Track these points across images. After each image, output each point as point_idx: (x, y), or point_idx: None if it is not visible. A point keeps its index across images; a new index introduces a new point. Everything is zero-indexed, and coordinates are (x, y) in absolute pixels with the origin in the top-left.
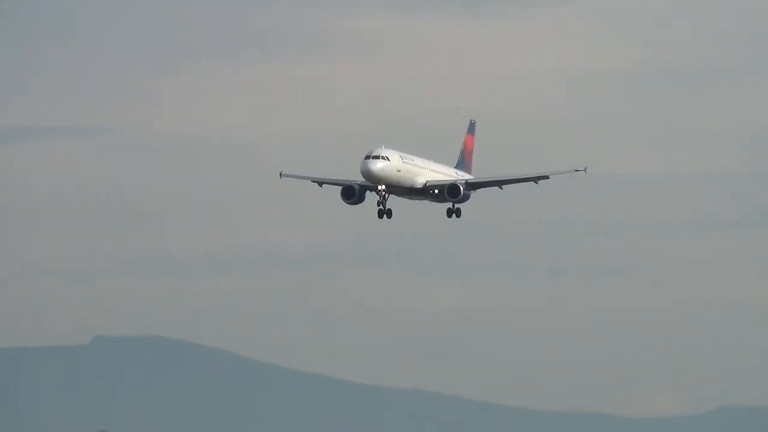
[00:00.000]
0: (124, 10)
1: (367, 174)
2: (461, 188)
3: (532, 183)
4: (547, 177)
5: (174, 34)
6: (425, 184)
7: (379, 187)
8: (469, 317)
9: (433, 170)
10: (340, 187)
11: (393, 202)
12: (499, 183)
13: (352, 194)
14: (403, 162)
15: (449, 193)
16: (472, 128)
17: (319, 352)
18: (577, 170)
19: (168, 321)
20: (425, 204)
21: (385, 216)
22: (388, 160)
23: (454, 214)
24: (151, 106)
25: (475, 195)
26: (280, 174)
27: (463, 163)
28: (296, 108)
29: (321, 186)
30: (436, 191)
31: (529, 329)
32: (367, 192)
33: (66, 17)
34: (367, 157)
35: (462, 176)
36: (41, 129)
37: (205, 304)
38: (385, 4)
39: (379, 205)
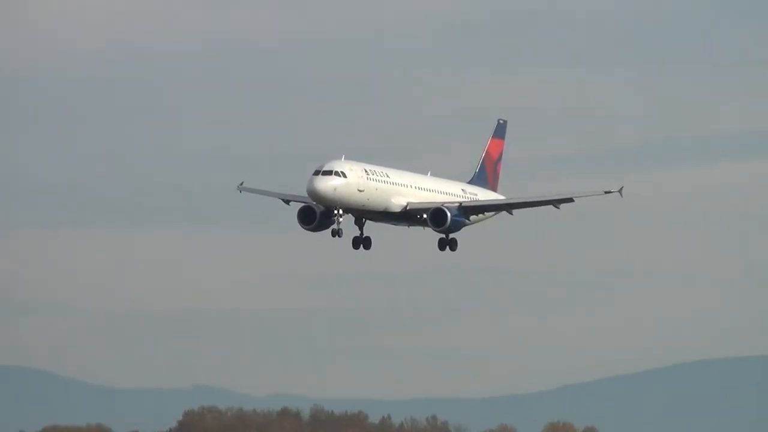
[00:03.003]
0: None
1: (314, 195)
2: (448, 214)
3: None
4: (571, 200)
5: None
6: (406, 207)
7: (335, 212)
8: None
9: (421, 188)
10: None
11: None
12: (509, 207)
13: (312, 218)
14: (369, 179)
15: (432, 220)
16: (500, 130)
17: None
18: (608, 192)
19: None
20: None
21: (361, 246)
22: (344, 176)
23: (447, 246)
24: None
25: None
26: (238, 187)
27: (483, 177)
28: None
29: (288, 204)
30: (424, 216)
31: None
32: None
33: None
34: (316, 173)
35: (472, 196)
36: None
37: None
38: None
39: (334, 235)
